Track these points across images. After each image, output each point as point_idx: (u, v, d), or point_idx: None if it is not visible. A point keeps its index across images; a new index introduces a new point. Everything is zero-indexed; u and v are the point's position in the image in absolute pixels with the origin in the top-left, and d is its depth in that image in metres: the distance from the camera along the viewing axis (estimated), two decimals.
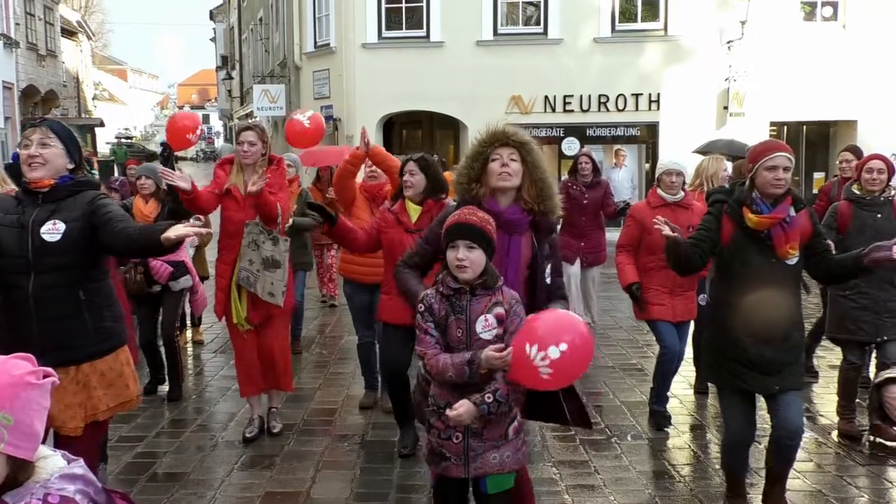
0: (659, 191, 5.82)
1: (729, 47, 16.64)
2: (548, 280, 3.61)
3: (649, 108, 17.25)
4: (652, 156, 17.47)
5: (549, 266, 3.62)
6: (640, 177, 17.70)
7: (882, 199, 5.52)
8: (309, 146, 7.18)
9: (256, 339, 5.62)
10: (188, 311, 8.21)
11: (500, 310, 3.20)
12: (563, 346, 2.87)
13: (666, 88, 17.17)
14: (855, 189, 5.63)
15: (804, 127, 17.71)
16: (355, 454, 5.43)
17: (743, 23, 16.25)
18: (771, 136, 17.46)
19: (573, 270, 8.40)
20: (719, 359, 4.23)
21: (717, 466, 5.20)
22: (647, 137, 17.59)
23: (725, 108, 16.91)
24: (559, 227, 8.34)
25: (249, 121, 7.41)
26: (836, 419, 5.89)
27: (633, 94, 17.20)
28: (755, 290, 4.04)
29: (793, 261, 4.04)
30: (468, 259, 3.15)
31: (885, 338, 5.47)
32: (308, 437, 5.77)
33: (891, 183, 5.58)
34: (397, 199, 5.22)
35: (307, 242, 8.28)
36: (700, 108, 17.00)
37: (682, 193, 5.80)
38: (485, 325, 3.17)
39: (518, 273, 3.55)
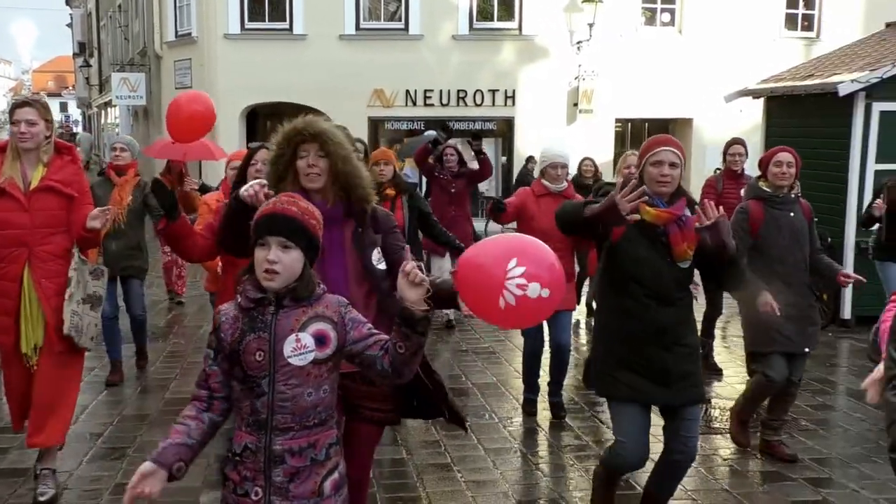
0: (543, 181, 5.64)
1: (578, 48, 17.17)
2: (380, 266, 3.23)
3: (505, 104, 17.59)
4: (508, 149, 17.87)
5: (374, 251, 3.23)
6: (497, 169, 18.01)
7: (792, 195, 5.00)
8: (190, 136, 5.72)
9: (37, 372, 4.35)
10: None
11: (321, 326, 2.45)
12: (546, 294, 2.47)
13: (521, 85, 17.55)
14: (763, 186, 4.99)
15: (646, 124, 18.50)
16: (209, 443, 5.31)
17: (591, 25, 16.80)
18: (616, 132, 18.19)
19: (446, 265, 8.08)
20: (613, 369, 3.71)
21: (561, 442, 5.39)
22: (504, 131, 17.95)
23: (575, 104, 17.45)
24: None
25: (27, 95, 5.74)
26: None
27: (490, 90, 17.48)
28: (649, 291, 3.62)
29: (686, 264, 3.65)
30: (281, 262, 2.40)
31: (809, 348, 5.00)
32: (162, 428, 5.58)
33: (796, 179, 5.05)
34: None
35: (142, 244, 6.68)
36: (553, 105, 17.48)
37: (565, 184, 5.66)
38: (296, 347, 2.42)
39: (349, 268, 3.20)
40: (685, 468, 3.88)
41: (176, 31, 18.81)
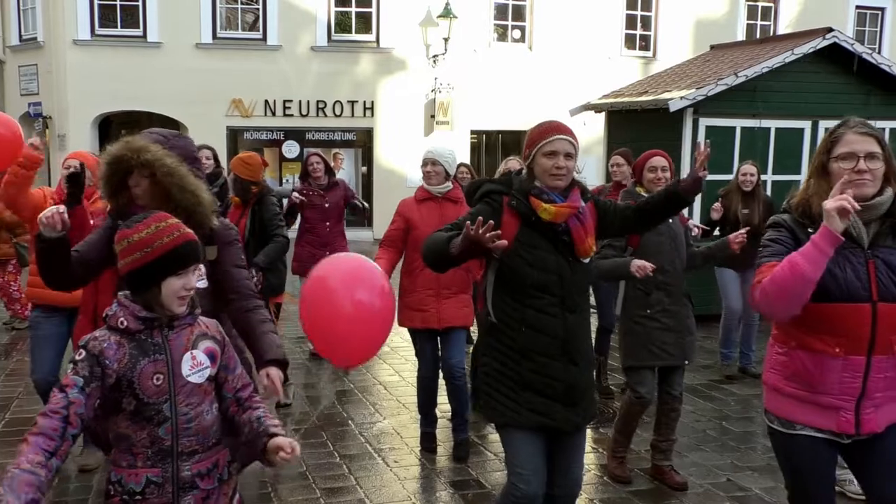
0: (423, 184, 5.09)
1: (434, 61, 17.38)
2: (200, 284, 2.90)
3: (364, 115, 17.58)
4: (368, 160, 17.86)
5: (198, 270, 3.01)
6: (357, 179, 17.99)
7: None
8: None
9: None
10: None
11: (209, 344, 2.44)
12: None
13: (380, 97, 17.59)
14: (640, 192, 4.72)
15: (500, 135, 18.94)
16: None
17: (446, 40, 17.05)
18: (472, 144, 18.53)
19: None
20: (513, 391, 3.17)
21: (418, 447, 5.36)
22: (364, 142, 17.93)
23: (433, 116, 17.65)
24: (298, 235, 7.37)
25: None
26: None
27: (349, 101, 17.43)
28: (555, 299, 3.13)
29: (588, 260, 3.22)
30: (194, 287, 2.43)
31: (689, 361, 4.73)
32: (5, 449, 5.23)
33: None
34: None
35: None
36: (411, 116, 17.62)
37: (450, 185, 5.05)
38: (193, 365, 2.36)
39: None
40: (576, 495, 3.38)
41: (20, 36, 17.71)
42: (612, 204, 3.41)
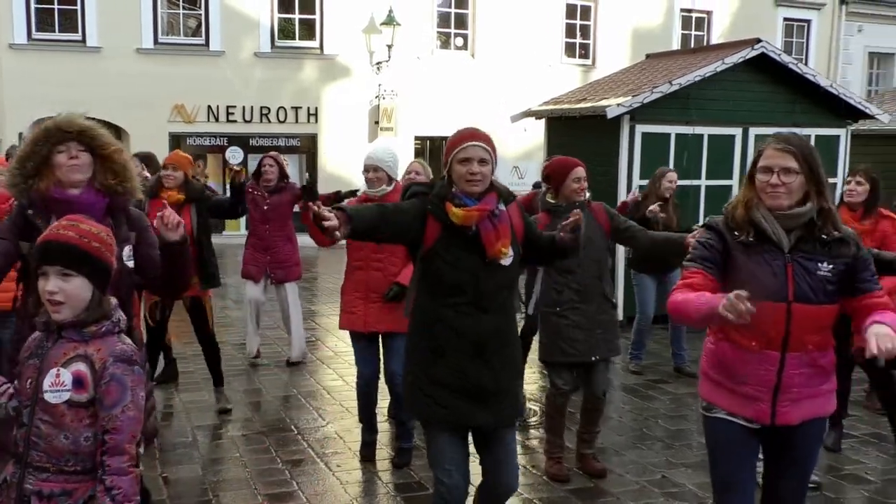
0: (367, 188, 4.96)
1: (378, 68, 17.37)
2: (130, 263, 3.12)
3: (308, 121, 17.45)
4: (313, 166, 17.72)
5: (127, 248, 3.11)
6: (301, 185, 17.78)
7: (577, 202, 4.67)
8: None
9: None
10: None
11: (81, 368, 2.20)
12: None
13: (324, 103, 17.49)
14: (549, 199, 4.83)
15: (444, 141, 18.82)
16: None
17: (389, 46, 17.05)
18: (416, 150, 18.54)
19: (252, 293, 7.19)
20: (427, 387, 3.26)
21: (333, 450, 5.33)
22: (308, 148, 17.81)
23: (377, 122, 17.62)
24: (246, 241, 7.39)
25: None
26: None
27: (292, 107, 17.29)
28: (469, 298, 3.21)
29: (507, 261, 3.23)
30: (63, 292, 2.20)
31: (597, 357, 4.78)
32: None
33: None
34: None
35: None
36: (355, 122, 17.56)
37: (387, 189, 4.85)
38: (54, 382, 2.19)
39: None
40: (506, 499, 3.47)
41: None
42: (532, 223, 3.54)
